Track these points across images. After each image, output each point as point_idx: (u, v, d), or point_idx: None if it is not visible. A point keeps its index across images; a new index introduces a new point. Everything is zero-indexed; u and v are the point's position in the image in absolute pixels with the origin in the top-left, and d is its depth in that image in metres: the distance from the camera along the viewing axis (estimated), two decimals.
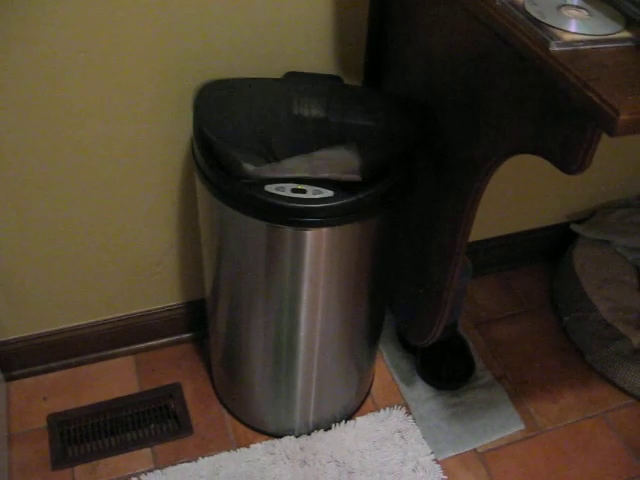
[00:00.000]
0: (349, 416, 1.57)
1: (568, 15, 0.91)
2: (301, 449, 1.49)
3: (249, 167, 1.06)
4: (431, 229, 1.27)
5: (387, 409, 1.59)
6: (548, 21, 0.88)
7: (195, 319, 1.66)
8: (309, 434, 1.52)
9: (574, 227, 1.89)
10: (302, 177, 1.08)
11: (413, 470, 1.47)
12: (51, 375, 1.61)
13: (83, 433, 1.51)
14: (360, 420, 1.56)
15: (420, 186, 1.27)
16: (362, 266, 1.25)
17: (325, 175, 1.08)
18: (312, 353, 1.35)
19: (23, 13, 1.09)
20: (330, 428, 1.54)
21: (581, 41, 0.85)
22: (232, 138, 1.11)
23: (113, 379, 1.61)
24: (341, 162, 1.09)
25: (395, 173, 1.13)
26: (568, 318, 1.79)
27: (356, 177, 1.08)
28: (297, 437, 1.52)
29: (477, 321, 1.83)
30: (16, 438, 1.48)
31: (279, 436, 1.52)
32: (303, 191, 1.07)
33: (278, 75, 1.29)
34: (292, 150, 1.09)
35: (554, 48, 0.84)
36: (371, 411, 1.59)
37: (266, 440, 1.51)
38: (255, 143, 1.10)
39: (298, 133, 1.14)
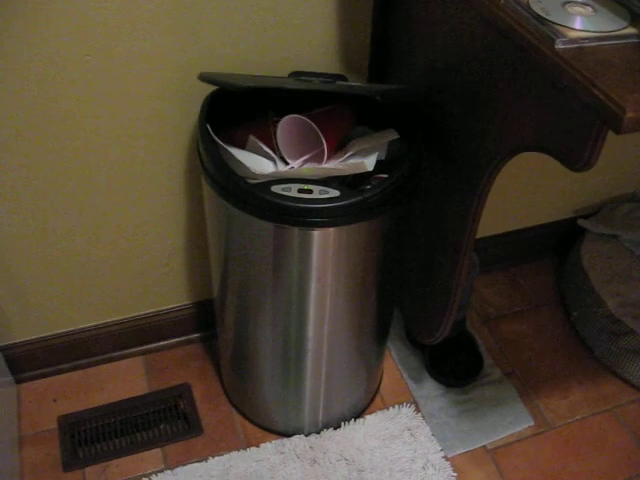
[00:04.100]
0: (358, 414, 1.57)
1: (573, 12, 0.91)
2: (311, 448, 1.49)
3: (257, 171, 1.06)
4: (438, 226, 1.27)
5: (396, 407, 1.59)
6: (553, 18, 0.88)
7: (203, 319, 1.67)
8: (318, 433, 1.53)
9: (581, 222, 1.89)
10: (309, 176, 1.09)
11: (423, 467, 1.47)
12: (61, 377, 1.61)
13: (93, 434, 1.51)
14: (369, 418, 1.56)
15: (427, 184, 1.27)
16: (369, 265, 1.25)
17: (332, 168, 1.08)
18: (320, 352, 1.35)
19: (26, 16, 1.09)
20: (339, 426, 1.54)
21: (586, 38, 0.85)
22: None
23: (122, 380, 1.61)
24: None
25: (401, 172, 1.13)
26: (576, 313, 1.78)
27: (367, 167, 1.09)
28: (307, 436, 1.52)
29: (485, 317, 1.82)
30: (27, 440, 1.49)
31: (289, 435, 1.52)
32: (309, 191, 1.07)
33: (283, 74, 1.29)
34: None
35: (559, 46, 0.83)
36: (380, 409, 1.59)
37: (276, 439, 1.51)
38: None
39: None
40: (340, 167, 1.13)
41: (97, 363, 1.64)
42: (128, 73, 1.22)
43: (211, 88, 1.24)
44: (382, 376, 1.66)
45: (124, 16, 1.15)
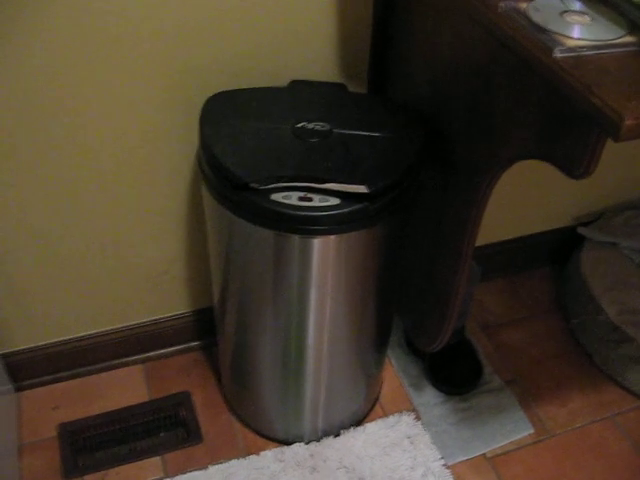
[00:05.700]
0: (358, 422, 1.57)
1: (571, 21, 0.91)
2: (311, 456, 1.49)
3: (254, 186, 1.07)
4: (438, 234, 1.28)
5: (396, 415, 1.59)
6: (551, 27, 0.89)
7: (204, 327, 1.67)
8: (318, 441, 1.52)
9: (581, 230, 1.89)
10: (309, 186, 1.09)
11: (423, 475, 1.47)
12: (61, 385, 1.61)
13: (93, 442, 1.51)
14: (369, 426, 1.56)
15: (427, 192, 1.27)
16: (369, 273, 1.25)
17: (332, 185, 1.08)
18: (320, 360, 1.35)
19: (24, 27, 1.10)
20: (339, 434, 1.54)
21: (584, 47, 0.86)
22: (236, 154, 1.12)
23: (122, 388, 1.61)
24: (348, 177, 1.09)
25: (401, 181, 1.13)
26: (576, 321, 1.78)
27: (363, 189, 1.09)
28: (306, 444, 1.52)
29: (485, 325, 1.82)
30: (27, 448, 1.49)
31: (288, 443, 1.52)
32: (310, 199, 1.08)
33: (283, 84, 1.29)
34: (297, 169, 1.09)
35: (557, 54, 0.84)
36: (380, 417, 1.59)
37: (275, 447, 1.51)
38: (260, 159, 1.11)
39: (303, 148, 1.14)
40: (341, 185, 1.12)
41: (97, 371, 1.64)
42: (128, 82, 1.22)
43: (211, 93, 1.24)
44: (382, 384, 1.66)
45: (125, 25, 1.15)
